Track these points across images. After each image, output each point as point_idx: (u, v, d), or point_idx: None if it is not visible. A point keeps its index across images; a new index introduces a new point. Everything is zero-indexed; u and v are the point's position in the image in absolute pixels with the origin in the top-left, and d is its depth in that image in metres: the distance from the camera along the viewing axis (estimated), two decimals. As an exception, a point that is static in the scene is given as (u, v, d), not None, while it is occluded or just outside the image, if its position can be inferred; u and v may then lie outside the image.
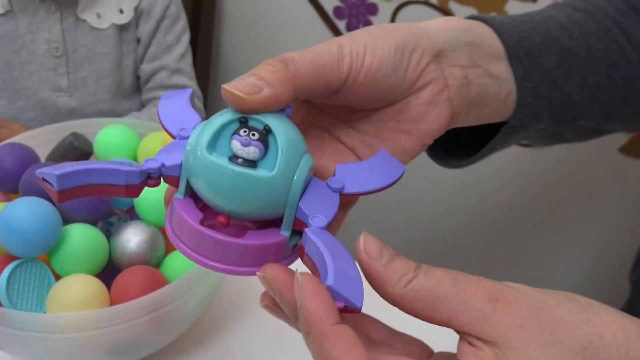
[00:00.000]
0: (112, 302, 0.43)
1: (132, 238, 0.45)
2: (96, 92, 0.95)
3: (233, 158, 0.25)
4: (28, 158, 0.49)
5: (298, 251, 0.26)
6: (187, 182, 0.26)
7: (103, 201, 0.46)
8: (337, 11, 1.09)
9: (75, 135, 0.54)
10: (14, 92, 0.92)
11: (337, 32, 1.10)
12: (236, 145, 0.25)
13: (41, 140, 0.55)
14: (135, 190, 0.26)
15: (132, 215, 0.51)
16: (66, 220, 0.45)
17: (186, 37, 1.01)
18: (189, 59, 1.01)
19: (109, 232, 0.48)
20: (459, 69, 0.32)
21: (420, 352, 0.26)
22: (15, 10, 0.87)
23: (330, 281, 0.22)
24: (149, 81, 0.99)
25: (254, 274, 0.25)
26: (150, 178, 0.26)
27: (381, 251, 0.24)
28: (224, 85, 0.25)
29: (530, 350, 0.22)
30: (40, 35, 0.89)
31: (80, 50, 0.91)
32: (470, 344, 0.23)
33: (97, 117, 0.96)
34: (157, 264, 0.47)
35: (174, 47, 0.99)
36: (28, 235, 0.41)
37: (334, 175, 0.28)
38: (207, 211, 0.26)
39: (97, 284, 0.43)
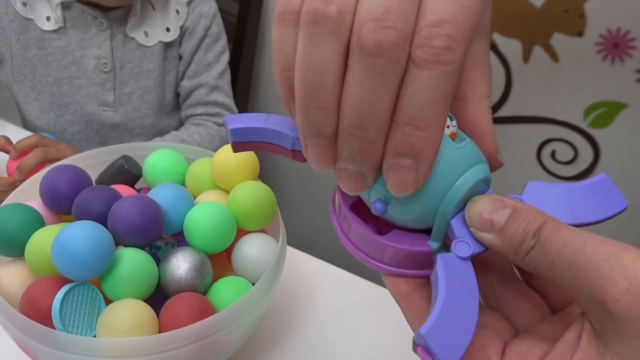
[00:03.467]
0: (161, 328, 0.44)
1: (182, 265, 0.46)
2: (140, 107, 0.97)
3: None
4: (81, 181, 0.50)
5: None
6: None
7: (154, 226, 0.46)
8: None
9: (125, 158, 0.55)
10: (61, 106, 0.94)
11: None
12: None
13: (92, 162, 0.56)
14: (303, 156, 0.26)
15: (179, 240, 0.51)
16: (116, 244, 0.46)
17: (225, 57, 1.02)
18: (227, 77, 1.03)
19: (156, 257, 0.49)
20: None
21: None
22: (68, 27, 0.89)
23: (423, 330, 0.20)
24: (188, 98, 1.01)
25: (394, 274, 0.25)
26: None
27: (491, 222, 0.22)
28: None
29: None
30: (90, 51, 0.91)
31: (127, 66, 0.93)
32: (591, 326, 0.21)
33: (140, 132, 0.98)
34: (205, 291, 0.47)
35: (214, 65, 1.00)
36: (83, 259, 0.41)
37: (521, 192, 0.24)
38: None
39: (146, 310, 0.43)
